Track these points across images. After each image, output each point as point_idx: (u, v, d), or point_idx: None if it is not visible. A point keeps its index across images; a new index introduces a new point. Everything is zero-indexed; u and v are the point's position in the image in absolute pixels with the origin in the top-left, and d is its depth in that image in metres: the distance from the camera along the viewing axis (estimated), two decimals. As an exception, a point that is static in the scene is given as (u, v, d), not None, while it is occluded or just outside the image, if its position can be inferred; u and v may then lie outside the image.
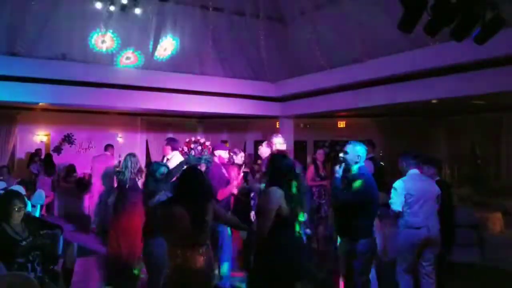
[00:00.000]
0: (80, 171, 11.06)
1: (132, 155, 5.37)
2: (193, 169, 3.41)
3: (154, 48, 9.63)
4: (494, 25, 3.72)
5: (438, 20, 3.66)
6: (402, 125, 11.82)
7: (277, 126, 11.42)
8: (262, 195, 3.56)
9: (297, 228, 3.34)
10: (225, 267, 5.10)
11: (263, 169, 5.03)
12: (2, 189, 5.99)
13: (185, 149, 9.01)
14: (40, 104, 9.90)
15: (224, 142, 11.96)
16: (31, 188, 8.66)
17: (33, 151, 11.23)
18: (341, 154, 4.02)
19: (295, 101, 10.65)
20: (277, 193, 3.14)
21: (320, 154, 7.52)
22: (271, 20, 10.39)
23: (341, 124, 12.79)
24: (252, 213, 5.20)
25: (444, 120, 11.80)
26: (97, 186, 8.22)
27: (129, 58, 9.51)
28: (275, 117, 11.37)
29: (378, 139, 12.31)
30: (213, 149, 5.76)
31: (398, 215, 4.45)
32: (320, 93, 9.62)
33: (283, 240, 3.16)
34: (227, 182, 5.24)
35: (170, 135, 12.60)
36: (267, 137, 5.90)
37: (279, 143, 5.42)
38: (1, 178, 8.68)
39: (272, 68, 10.57)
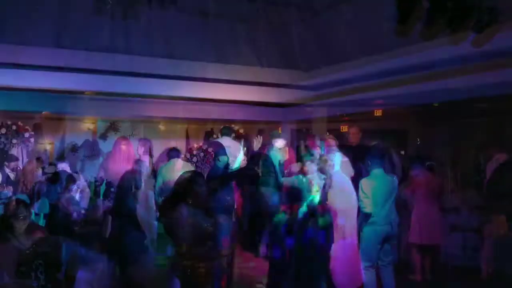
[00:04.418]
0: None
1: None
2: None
3: (157, 54, 9.64)
4: (491, 16, 3.72)
5: (434, 9, 3.67)
6: (404, 128, 11.80)
7: (279, 132, 11.40)
8: None
9: None
10: None
11: None
12: (6, 198, 6.02)
13: (187, 155, 9.02)
14: (44, 113, 9.95)
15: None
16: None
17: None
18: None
19: (297, 106, 10.63)
20: None
21: None
22: (273, 25, 10.37)
23: (344, 128, 12.74)
24: None
25: (448, 123, 11.74)
26: None
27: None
28: (278, 122, 11.36)
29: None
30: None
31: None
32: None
33: None
34: None
35: (173, 142, 12.63)
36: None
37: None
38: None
39: (275, 73, 10.56)
